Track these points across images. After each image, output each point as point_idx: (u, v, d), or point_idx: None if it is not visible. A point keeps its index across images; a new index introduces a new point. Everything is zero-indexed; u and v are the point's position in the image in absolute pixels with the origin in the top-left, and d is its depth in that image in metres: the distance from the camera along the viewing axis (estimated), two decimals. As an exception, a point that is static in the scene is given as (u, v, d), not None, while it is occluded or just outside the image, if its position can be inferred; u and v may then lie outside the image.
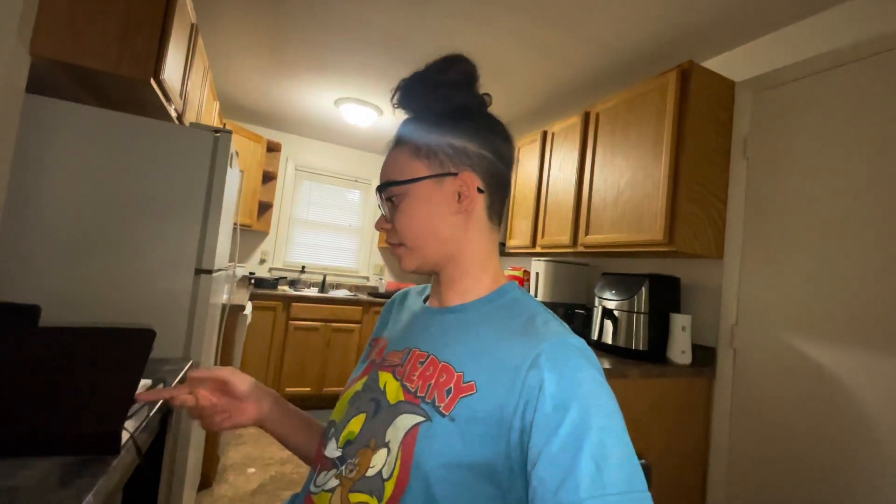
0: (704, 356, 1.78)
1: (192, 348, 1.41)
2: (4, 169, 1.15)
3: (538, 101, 2.59)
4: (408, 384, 0.53)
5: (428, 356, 0.54)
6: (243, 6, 1.93)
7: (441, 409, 0.48)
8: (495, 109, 0.61)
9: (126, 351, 0.52)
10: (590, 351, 0.50)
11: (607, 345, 1.84)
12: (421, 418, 0.49)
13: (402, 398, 0.52)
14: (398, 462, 0.47)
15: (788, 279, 1.58)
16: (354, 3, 1.82)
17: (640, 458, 0.46)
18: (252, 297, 3.00)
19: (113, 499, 0.53)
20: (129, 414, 0.55)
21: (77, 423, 0.49)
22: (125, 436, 0.54)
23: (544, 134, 2.44)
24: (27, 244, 1.21)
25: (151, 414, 0.67)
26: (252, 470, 2.22)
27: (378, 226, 0.62)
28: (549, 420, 0.43)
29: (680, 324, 1.75)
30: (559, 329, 0.51)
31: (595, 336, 1.91)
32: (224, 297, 2.05)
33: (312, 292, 3.43)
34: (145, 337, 0.53)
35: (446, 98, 0.59)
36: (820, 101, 1.56)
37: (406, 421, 0.49)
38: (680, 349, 1.73)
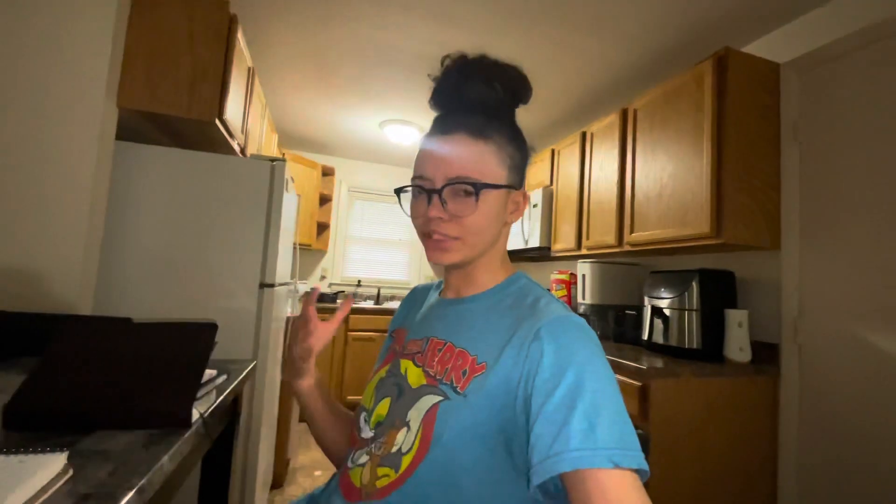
0: (766, 353, 1.67)
1: (259, 351, 1.57)
2: (102, 206, 1.37)
3: (574, 104, 2.59)
4: (429, 370, 0.59)
5: (445, 343, 0.60)
6: (292, 48, 2.14)
7: (457, 388, 0.54)
8: (532, 115, 0.67)
9: (193, 341, 0.63)
10: (589, 328, 0.54)
11: (658, 345, 1.79)
12: (440, 398, 0.54)
13: (424, 382, 0.58)
14: (418, 437, 0.53)
15: (855, 266, 1.46)
16: (386, 31, 1.95)
17: (645, 427, 0.48)
18: (313, 312, 3.20)
19: (186, 468, 0.64)
20: (197, 396, 0.67)
21: (156, 402, 0.61)
22: (195, 414, 0.66)
23: (583, 135, 2.44)
24: (121, 268, 1.43)
25: (219, 400, 0.79)
26: (319, 472, 2.37)
27: (433, 213, 0.58)
28: (546, 384, 0.47)
29: (736, 320, 1.67)
30: (560, 309, 0.55)
31: (645, 336, 1.86)
32: (288, 310, 2.23)
33: (369, 304, 3.60)
34: (209, 329, 0.63)
35: (511, 105, 0.63)
36: (875, 74, 1.45)
37: (427, 401, 0.55)
38: (737, 346, 1.65)
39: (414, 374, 0.60)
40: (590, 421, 0.43)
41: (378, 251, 4.11)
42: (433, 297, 0.72)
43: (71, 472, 0.51)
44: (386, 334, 0.77)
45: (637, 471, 0.43)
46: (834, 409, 1.49)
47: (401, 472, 0.52)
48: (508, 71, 0.61)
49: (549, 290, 0.67)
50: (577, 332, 0.51)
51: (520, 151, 0.63)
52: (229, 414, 1.00)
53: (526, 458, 0.48)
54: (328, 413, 0.73)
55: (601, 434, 0.43)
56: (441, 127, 0.60)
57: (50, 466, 0.50)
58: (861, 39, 1.47)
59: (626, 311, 2.16)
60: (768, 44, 1.76)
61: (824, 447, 1.50)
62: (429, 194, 0.58)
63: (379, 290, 3.91)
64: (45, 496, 0.47)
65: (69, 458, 0.53)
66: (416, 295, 0.79)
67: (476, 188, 0.57)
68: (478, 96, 0.60)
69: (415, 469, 0.51)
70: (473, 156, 0.57)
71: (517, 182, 0.63)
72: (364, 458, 0.58)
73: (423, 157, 0.60)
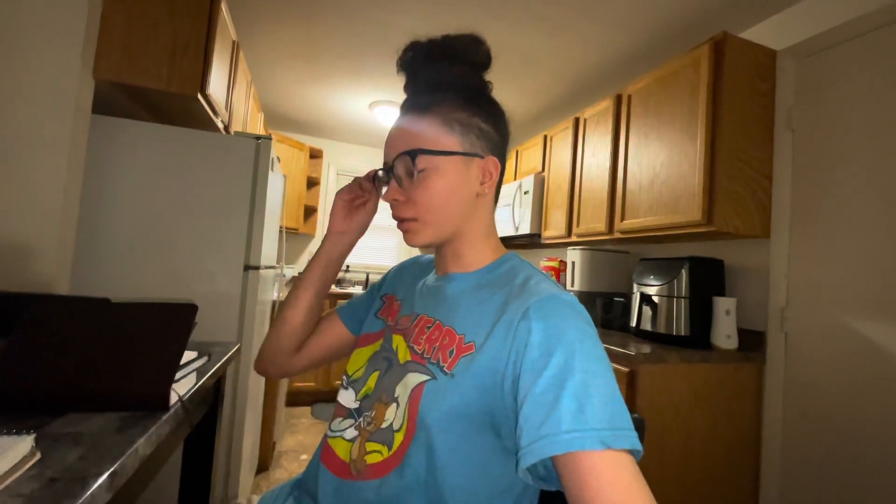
0: (752, 341, 1.69)
1: (243, 335, 1.53)
2: (78, 182, 1.31)
3: (568, 89, 2.56)
4: (415, 346, 0.58)
5: (434, 322, 0.59)
6: (279, 21, 2.06)
7: (444, 368, 0.53)
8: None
9: (171, 321, 0.60)
10: (580, 306, 0.52)
11: (646, 331, 1.79)
12: (426, 377, 0.53)
13: (409, 358, 0.57)
14: (406, 415, 0.52)
15: (843, 257, 1.47)
16: (378, 7, 1.89)
17: (632, 412, 0.47)
18: (301, 296, 3.16)
19: (164, 452, 0.61)
20: (176, 378, 0.64)
21: (131, 384, 0.58)
22: (174, 397, 0.63)
23: (576, 121, 2.41)
24: (98, 246, 1.37)
25: (200, 383, 0.76)
26: (304, 456, 2.36)
27: (388, 196, 0.59)
28: (535, 365, 0.46)
29: (724, 307, 1.68)
30: (551, 288, 0.53)
31: (634, 323, 1.87)
32: (274, 295, 2.19)
33: (357, 290, 3.57)
34: (188, 309, 0.60)
35: (468, 76, 0.60)
36: (871, 63, 1.45)
37: (413, 379, 0.54)
38: (725, 334, 1.66)
39: (403, 350, 0.60)
40: (579, 401, 0.42)
41: (367, 236, 4.05)
42: (427, 272, 0.71)
43: (38, 456, 0.49)
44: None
45: (630, 451, 0.42)
46: (817, 396, 1.51)
47: (394, 449, 0.52)
48: (452, 45, 0.59)
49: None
50: (566, 311, 0.49)
51: (477, 115, 0.59)
52: (212, 397, 0.97)
53: (514, 440, 0.47)
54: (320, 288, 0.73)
55: (591, 415, 0.42)
56: (397, 115, 0.63)
57: (15, 449, 0.47)
58: (858, 28, 1.46)
59: (615, 298, 2.17)
60: (765, 30, 1.74)
61: (807, 433, 1.53)
62: (387, 178, 0.61)
63: (367, 276, 3.88)
64: (9, 480, 0.44)
65: (37, 441, 0.50)
66: (410, 267, 0.76)
67: (412, 155, 0.56)
68: (426, 79, 0.61)
69: (406, 448, 0.51)
70: (416, 129, 0.58)
71: (481, 148, 0.59)
72: (352, 433, 0.57)
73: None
